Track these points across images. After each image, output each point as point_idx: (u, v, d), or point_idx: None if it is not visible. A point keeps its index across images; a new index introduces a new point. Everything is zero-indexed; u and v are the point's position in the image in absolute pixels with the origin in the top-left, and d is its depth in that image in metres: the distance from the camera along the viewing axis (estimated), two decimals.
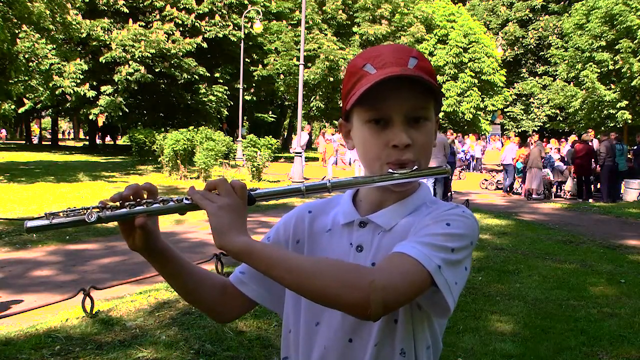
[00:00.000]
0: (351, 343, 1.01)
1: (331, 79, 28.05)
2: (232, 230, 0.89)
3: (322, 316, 1.04)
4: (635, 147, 15.49)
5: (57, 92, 23.03)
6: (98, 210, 0.92)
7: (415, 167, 0.98)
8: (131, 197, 0.94)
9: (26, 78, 17.81)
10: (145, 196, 0.95)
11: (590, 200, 13.89)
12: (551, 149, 17.23)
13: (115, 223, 0.96)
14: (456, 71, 31.05)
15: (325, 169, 19.75)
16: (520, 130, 35.83)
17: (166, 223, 8.16)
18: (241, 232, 0.89)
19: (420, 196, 1.05)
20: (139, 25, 24.87)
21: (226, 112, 28.73)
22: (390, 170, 0.97)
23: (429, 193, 1.07)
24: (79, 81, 23.00)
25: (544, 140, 21.78)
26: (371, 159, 1.01)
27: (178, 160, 15.54)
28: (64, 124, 60.57)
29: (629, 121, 25.27)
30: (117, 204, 0.93)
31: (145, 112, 28.69)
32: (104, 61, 23.75)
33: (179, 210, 0.95)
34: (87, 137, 40.28)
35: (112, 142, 42.42)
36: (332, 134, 23.93)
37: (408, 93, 0.96)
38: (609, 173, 13.79)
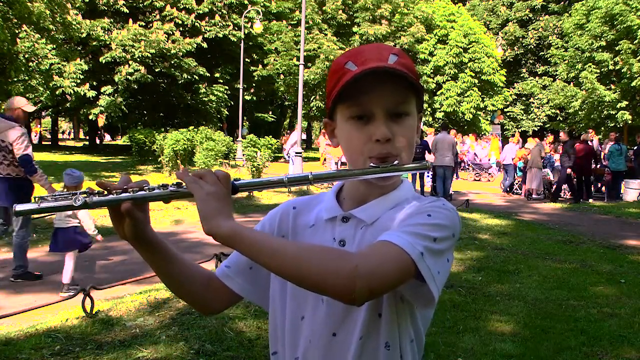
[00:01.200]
0: (335, 337, 1.01)
1: None
2: (220, 215, 0.91)
3: (306, 310, 1.05)
4: (635, 147, 15.48)
5: (57, 92, 22.95)
6: (85, 195, 0.94)
7: (396, 161, 0.99)
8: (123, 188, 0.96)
9: (26, 78, 17.76)
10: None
11: (590, 201, 13.88)
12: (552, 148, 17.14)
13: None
14: (456, 71, 31.01)
15: (324, 168, 19.74)
16: (520, 130, 35.82)
17: (166, 223, 8.16)
18: (228, 217, 0.91)
19: (402, 191, 1.07)
20: (139, 25, 24.81)
21: (226, 112, 28.69)
22: (372, 165, 0.98)
23: (411, 189, 1.09)
24: (79, 81, 22.94)
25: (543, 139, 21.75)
26: (354, 154, 1.02)
27: (178, 160, 15.54)
28: (64, 124, 60.51)
29: (629, 121, 25.28)
30: (105, 191, 0.96)
31: (145, 112, 28.63)
32: (104, 61, 23.71)
33: (163, 197, 0.97)
34: (87, 137, 40.16)
35: (98, 142, 41.69)
36: None
37: (388, 88, 0.98)
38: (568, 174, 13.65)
